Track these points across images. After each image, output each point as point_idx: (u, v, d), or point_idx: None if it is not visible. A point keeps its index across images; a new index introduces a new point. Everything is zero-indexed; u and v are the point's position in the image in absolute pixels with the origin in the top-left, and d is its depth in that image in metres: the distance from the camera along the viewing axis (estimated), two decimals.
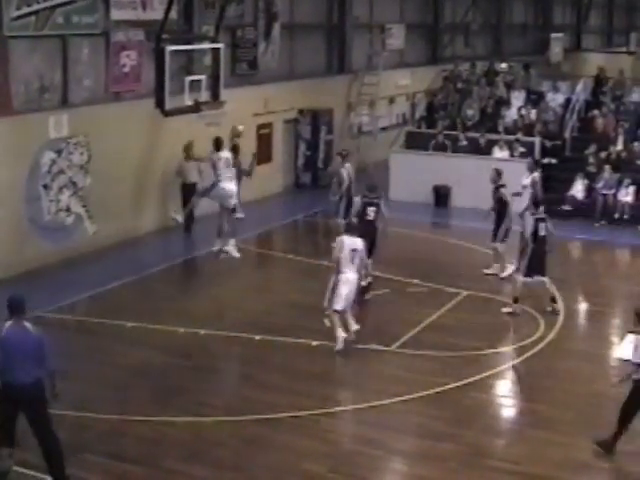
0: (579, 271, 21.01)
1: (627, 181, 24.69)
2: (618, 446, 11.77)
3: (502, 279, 19.05)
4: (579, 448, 11.94)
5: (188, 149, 22.50)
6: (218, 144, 19.93)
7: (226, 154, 19.99)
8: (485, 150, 26.38)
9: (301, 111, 28.59)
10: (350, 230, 15.40)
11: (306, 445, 11.87)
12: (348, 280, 14.80)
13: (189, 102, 20.39)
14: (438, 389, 13.53)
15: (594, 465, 11.61)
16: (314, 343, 15.03)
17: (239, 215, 21.43)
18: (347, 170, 21.09)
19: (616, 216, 24.27)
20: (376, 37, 33.32)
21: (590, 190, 25.02)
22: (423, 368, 14.46)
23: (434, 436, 12.27)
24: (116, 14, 21.00)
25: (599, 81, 30.86)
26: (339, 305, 14.78)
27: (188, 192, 22.23)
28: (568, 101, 28.56)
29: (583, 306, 18.75)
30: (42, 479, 10.54)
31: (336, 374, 14.12)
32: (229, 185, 19.78)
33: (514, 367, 14.79)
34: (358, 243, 15.02)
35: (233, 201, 19.92)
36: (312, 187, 28.59)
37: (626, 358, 14.84)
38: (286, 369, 14.36)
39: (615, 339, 16.19)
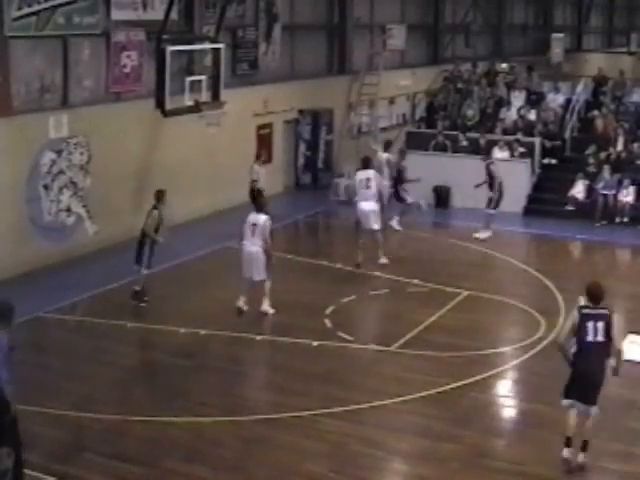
0: (579, 271, 20.96)
1: (627, 181, 24.67)
2: (620, 447, 11.79)
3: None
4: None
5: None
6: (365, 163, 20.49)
7: (365, 174, 20.01)
8: (485, 150, 26.35)
9: (301, 111, 28.60)
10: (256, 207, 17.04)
11: (307, 445, 11.87)
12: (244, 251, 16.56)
13: (189, 102, 20.42)
14: (439, 389, 13.52)
15: (596, 465, 11.59)
16: (314, 343, 15.03)
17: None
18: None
19: (617, 220, 24.21)
20: (376, 37, 33.34)
21: (590, 190, 25.01)
22: (423, 368, 14.45)
23: (435, 436, 12.27)
24: (117, 14, 21.01)
25: (599, 81, 30.85)
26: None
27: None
28: (568, 101, 28.57)
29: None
30: (42, 479, 10.56)
31: (336, 374, 14.10)
32: (364, 205, 19.80)
33: (515, 367, 14.76)
34: (259, 219, 16.43)
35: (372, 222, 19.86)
36: (312, 187, 28.60)
37: (628, 358, 14.87)
38: (286, 369, 14.36)
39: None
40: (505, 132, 27.61)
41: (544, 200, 25.46)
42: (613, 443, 12.16)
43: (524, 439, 12.36)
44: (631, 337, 15.84)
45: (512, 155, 26.16)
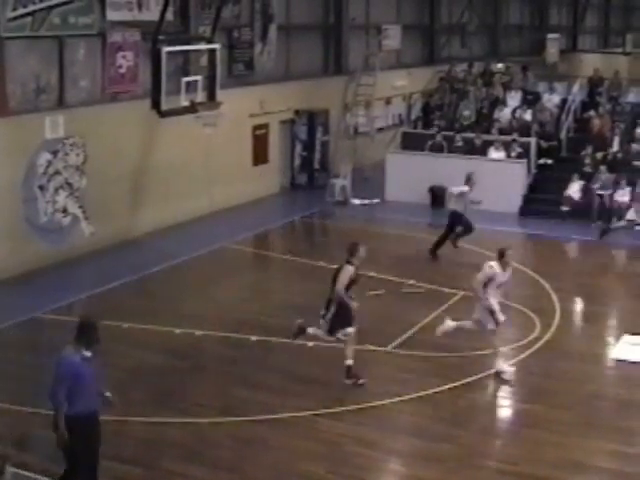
0: (575, 271, 21.04)
1: (623, 182, 24.69)
2: (616, 447, 11.83)
3: None
4: (576, 448, 11.96)
5: None
6: None
7: None
8: (481, 151, 26.39)
9: (297, 112, 28.61)
10: None
11: (304, 446, 11.89)
12: None
13: (185, 103, 20.43)
14: (435, 389, 13.54)
15: (592, 465, 11.63)
16: (310, 344, 15.01)
17: None
18: None
19: (614, 220, 24.19)
20: (372, 38, 33.36)
21: (586, 191, 25.03)
22: (419, 368, 14.47)
23: (431, 437, 12.29)
24: (112, 15, 21.00)
25: (595, 82, 30.87)
26: None
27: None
28: (564, 102, 28.59)
29: (579, 306, 18.75)
30: None
31: (332, 375, 14.08)
32: None
33: (512, 367, 14.77)
34: None
35: None
36: (308, 188, 28.61)
37: (622, 358, 14.94)
38: (283, 370, 14.36)
39: (611, 339, 16.21)
40: (501, 132, 27.63)
41: (540, 200, 25.45)
42: (609, 443, 12.19)
43: (520, 439, 12.39)
44: (628, 338, 15.88)
45: (508, 155, 26.19)
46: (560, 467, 11.47)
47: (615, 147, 26.55)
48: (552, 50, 42.09)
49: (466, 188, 21.12)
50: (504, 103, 29.23)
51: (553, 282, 18.89)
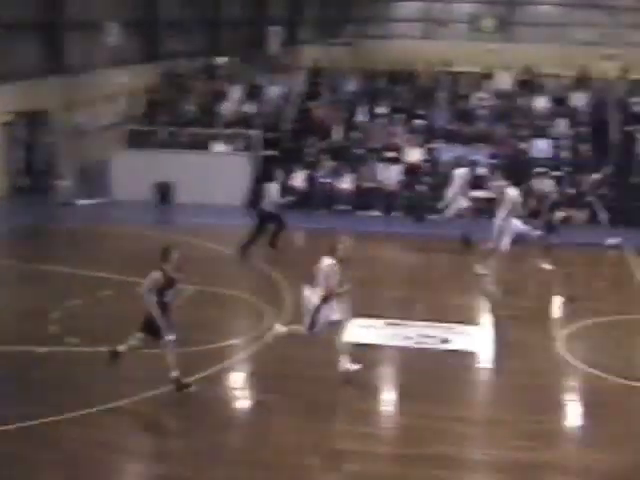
0: (303, 259, 21.40)
1: (345, 169, 25.44)
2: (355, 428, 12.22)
3: None
4: (317, 433, 12.24)
5: None
6: None
7: None
8: (206, 144, 26.50)
9: (17, 113, 27.68)
10: None
11: (41, 456, 11.50)
12: None
13: None
14: (172, 386, 13.45)
15: (333, 449, 11.92)
16: (41, 350, 14.58)
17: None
18: None
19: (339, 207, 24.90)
20: (92, 35, 32.72)
21: (311, 180, 25.63)
22: (157, 365, 14.31)
23: (169, 434, 12.26)
24: None
25: (315, 72, 31.64)
26: None
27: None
28: (286, 93, 29.13)
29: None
30: None
31: (67, 379, 13.73)
32: None
33: (247, 358, 14.89)
34: None
35: None
36: (32, 191, 27.77)
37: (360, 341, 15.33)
38: (13, 378, 13.84)
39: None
40: (225, 126, 27.84)
41: None
42: (344, 425, 12.55)
43: (258, 429, 12.51)
44: (362, 321, 16.34)
45: (232, 148, 26.42)
46: (303, 453, 11.69)
47: (337, 136, 27.31)
48: (273, 43, 42.75)
49: (278, 186, 21.14)
50: (227, 97, 29.45)
51: (282, 270, 19.19)
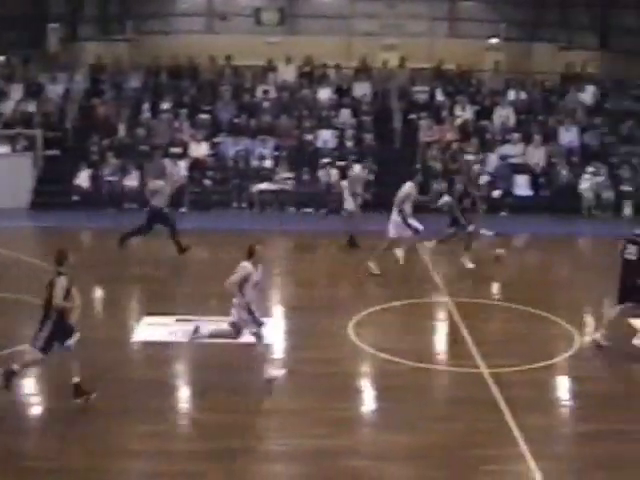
0: (92, 260, 20.95)
1: (131, 166, 25.04)
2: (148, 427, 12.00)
3: None
4: (113, 435, 11.98)
5: None
6: None
7: None
8: None
9: None
10: None
11: None
12: None
13: None
14: None
15: (130, 449, 11.69)
16: None
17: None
18: None
19: (126, 206, 24.48)
20: None
21: (95, 178, 25.08)
22: None
23: None
24: None
25: (97, 69, 31.00)
26: None
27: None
28: (68, 91, 28.41)
29: (100, 293, 18.69)
30: None
31: None
32: None
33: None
34: None
35: None
36: None
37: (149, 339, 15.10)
38: None
39: (133, 322, 16.38)
40: (5, 126, 26.88)
41: (50, 192, 25.13)
42: (140, 425, 12.30)
43: (50, 435, 12.10)
44: (152, 319, 16.13)
45: (13, 149, 25.55)
46: (100, 455, 11.39)
47: (121, 133, 26.84)
48: (53, 40, 41.61)
49: (162, 182, 20.40)
50: (7, 95, 28.46)
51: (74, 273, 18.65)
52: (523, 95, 29.55)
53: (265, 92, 28.86)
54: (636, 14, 48.94)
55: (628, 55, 44.60)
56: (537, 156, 26.31)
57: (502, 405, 13.09)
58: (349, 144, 27.02)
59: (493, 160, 26.23)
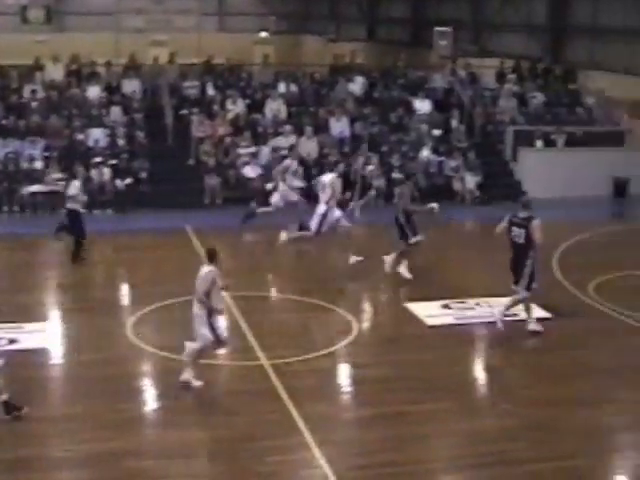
0: None
1: None
2: None
3: None
4: None
5: None
6: None
7: None
8: None
9: None
10: None
11: None
12: None
13: None
14: None
15: None
16: None
17: None
18: None
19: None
20: None
21: None
22: None
23: None
24: None
25: None
26: None
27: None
28: None
29: None
30: None
31: None
32: None
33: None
34: None
35: None
36: None
37: None
38: None
39: None
40: None
41: None
42: None
43: None
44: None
45: None
46: None
47: None
48: None
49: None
50: None
51: None
52: (293, 87, 29.86)
53: (33, 92, 27.97)
54: (402, 5, 50.66)
55: (394, 45, 46.10)
56: (309, 147, 26.69)
57: (284, 395, 13.28)
58: (121, 142, 26.57)
59: (266, 153, 26.40)
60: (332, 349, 15.16)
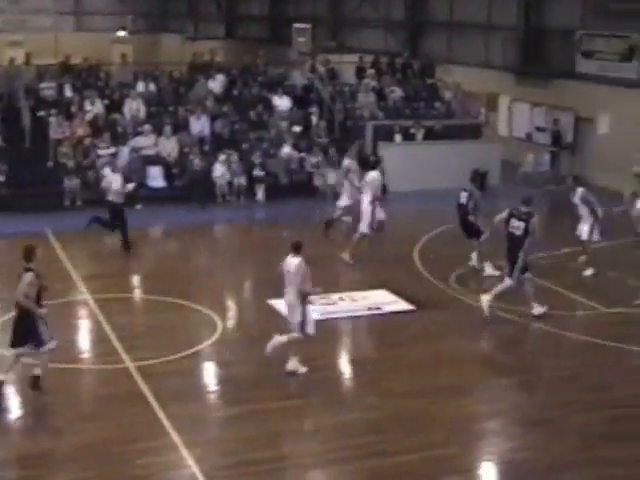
0: None
1: None
2: None
3: None
4: None
5: None
6: None
7: None
8: None
9: None
10: None
11: None
12: None
13: None
14: None
15: None
16: None
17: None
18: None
19: None
20: None
21: None
22: None
23: None
24: None
25: None
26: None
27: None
28: None
29: None
30: None
31: None
32: None
33: None
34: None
35: None
36: None
37: None
38: None
39: None
40: None
41: None
42: None
43: None
44: None
45: None
46: None
47: None
48: None
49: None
50: None
51: None
52: (152, 86, 29.53)
53: None
54: (260, 3, 50.78)
55: (254, 42, 46.17)
56: (169, 147, 26.46)
57: (151, 398, 13.18)
58: None
59: (125, 153, 26.04)
60: (197, 348, 15.11)
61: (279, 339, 14.07)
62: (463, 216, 19.33)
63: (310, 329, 14.01)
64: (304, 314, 13.94)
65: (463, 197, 19.25)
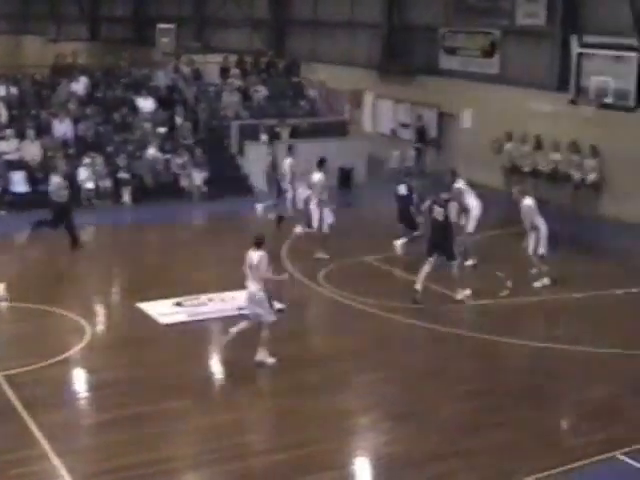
0: None
1: None
2: None
3: None
4: None
5: None
6: None
7: None
8: None
9: None
10: None
11: None
12: None
13: None
14: None
15: None
16: None
17: None
18: None
19: None
20: None
21: None
22: None
23: None
24: None
25: None
26: None
27: None
28: None
29: None
30: None
31: None
32: None
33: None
34: None
35: None
36: None
37: None
38: None
39: None
40: None
41: None
42: None
43: None
44: None
45: None
46: None
47: None
48: None
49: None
50: None
51: None
52: (14, 89, 28.90)
53: None
54: (124, 4, 50.24)
55: (117, 44, 45.67)
56: (32, 151, 25.96)
57: (19, 407, 12.93)
58: None
59: None
60: (66, 355, 14.88)
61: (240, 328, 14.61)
62: (404, 207, 20.72)
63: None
64: (269, 299, 14.57)
65: (402, 189, 20.78)
